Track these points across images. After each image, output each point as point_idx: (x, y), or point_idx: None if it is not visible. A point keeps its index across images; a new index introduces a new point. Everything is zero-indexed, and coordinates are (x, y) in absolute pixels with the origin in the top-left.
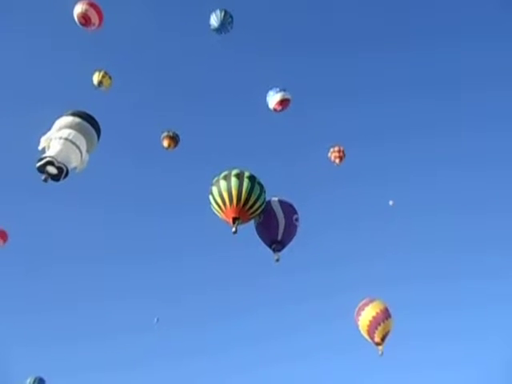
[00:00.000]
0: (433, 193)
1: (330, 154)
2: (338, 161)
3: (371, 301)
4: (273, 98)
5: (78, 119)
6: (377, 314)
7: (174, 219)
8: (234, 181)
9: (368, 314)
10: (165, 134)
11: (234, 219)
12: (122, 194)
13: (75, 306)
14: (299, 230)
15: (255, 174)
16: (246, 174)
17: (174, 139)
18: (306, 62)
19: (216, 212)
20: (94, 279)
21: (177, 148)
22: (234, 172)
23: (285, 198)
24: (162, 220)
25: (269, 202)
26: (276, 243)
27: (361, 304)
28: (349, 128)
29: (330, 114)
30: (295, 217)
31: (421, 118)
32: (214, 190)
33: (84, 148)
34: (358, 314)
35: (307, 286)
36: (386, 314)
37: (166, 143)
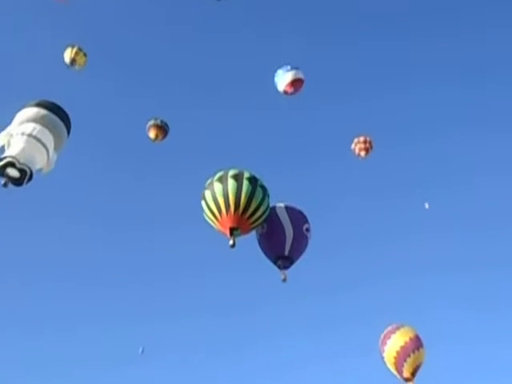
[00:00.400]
0: (477, 203)
1: (353, 146)
2: (363, 153)
3: (398, 327)
4: (282, 78)
5: (43, 111)
6: (406, 343)
7: (161, 230)
8: (231, 183)
9: (396, 342)
10: (151, 122)
11: (232, 230)
12: (99, 201)
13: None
14: (310, 243)
15: (257, 175)
16: (246, 174)
17: (163, 129)
18: (321, 42)
19: (210, 221)
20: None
21: (165, 140)
22: (232, 172)
23: (293, 204)
24: (146, 231)
25: (273, 209)
26: (282, 259)
27: (386, 331)
28: (376, 121)
29: (352, 102)
30: (306, 226)
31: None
32: (208, 194)
33: (51, 146)
34: (384, 343)
35: (321, 311)
36: (416, 343)
37: (152, 134)
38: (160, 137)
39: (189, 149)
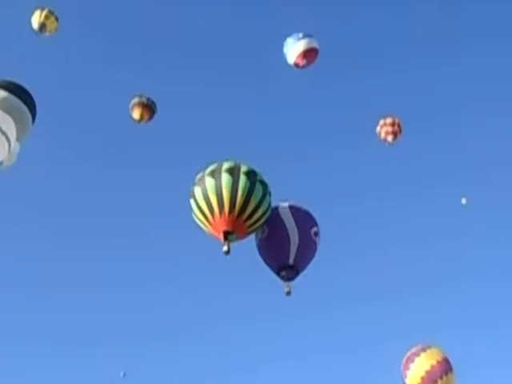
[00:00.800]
0: None
1: (379, 129)
2: (390, 138)
3: (424, 349)
4: (293, 48)
5: (3, 93)
6: (432, 367)
7: (143, 231)
8: (225, 178)
9: (420, 366)
10: (135, 100)
11: (226, 234)
12: (69, 198)
13: None
14: (320, 250)
15: (256, 169)
16: (243, 168)
17: (149, 108)
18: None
19: (200, 223)
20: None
21: (152, 121)
22: (226, 165)
23: (299, 203)
24: (126, 233)
25: (276, 209)
26: (287, 269)
27: (410, 353)
28: (406, 99)
29: (378, 76)
30: (314, 230)
31: None
32: (197, 191)
33: (13, 135)
34: (406, 368)
35: (333, 330)
36: (445, 367)
37: (137, 114)
38: (146, 117)
39: (179, 133)
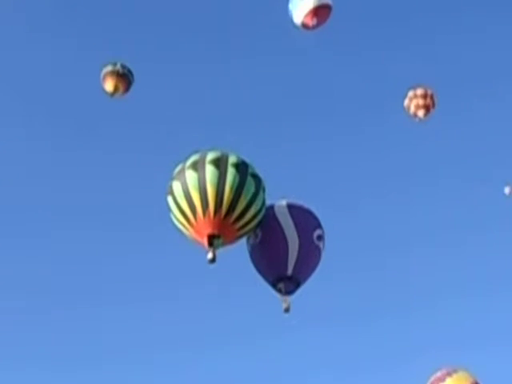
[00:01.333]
0: None
1: (408, 102)
2: (421, 113)
3: (449, 373)
4: (300, 6)
5: None
6: None
7: (115, 232)
8: (210, 171)
9: None
10: (108, 68)
11: (212, 238)
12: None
13: None
14: (324, 257)
15: (248, 160)
16: (232, 159)
17: (125, 78)
18: None
19: (180, 225)
20: None
21: (128, 94)
22: (211, 156)
23: (299, 201)
24: (97, 233)
25: (271, 209)
26: (285, 280)
27: (433, 378)
28: (441, 66)
29: (407, 39)
30: (317, 233)
31: None
32: (177, 186)
33: None
34: None
35: (341, 350)
36: None
37: (109, 85)
38: (121, 89)
39: (157, 112)
